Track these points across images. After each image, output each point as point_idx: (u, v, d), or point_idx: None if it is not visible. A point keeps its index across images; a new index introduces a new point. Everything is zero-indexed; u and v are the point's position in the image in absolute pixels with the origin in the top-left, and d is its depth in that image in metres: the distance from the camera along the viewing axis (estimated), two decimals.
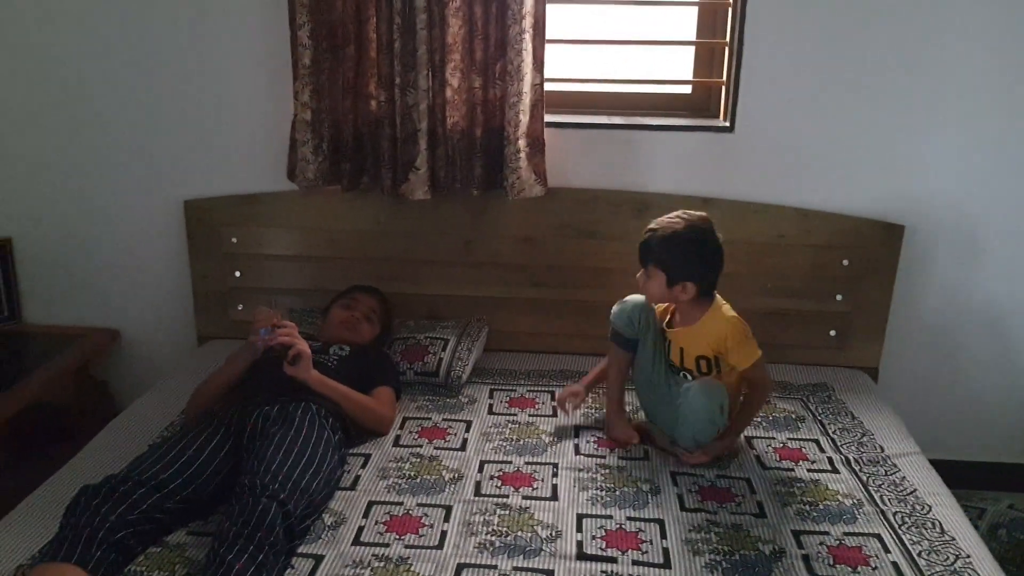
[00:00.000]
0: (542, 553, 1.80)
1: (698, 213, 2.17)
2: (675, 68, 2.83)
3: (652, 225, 2.16)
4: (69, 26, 2.69)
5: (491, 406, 2.47)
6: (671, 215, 2.17)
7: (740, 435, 2.26)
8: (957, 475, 2.41)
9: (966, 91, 2.56)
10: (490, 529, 1.87)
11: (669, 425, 2.22)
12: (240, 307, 2.86)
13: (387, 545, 1.82)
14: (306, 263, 2.83)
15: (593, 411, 2.43)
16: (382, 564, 1.76)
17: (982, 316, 2.77)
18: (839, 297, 2.71)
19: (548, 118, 2.59)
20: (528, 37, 2.45)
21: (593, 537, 1.86)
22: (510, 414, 2.42)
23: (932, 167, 2.63)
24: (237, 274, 2.84)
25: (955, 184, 2.64)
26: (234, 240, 2.81)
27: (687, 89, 2.81)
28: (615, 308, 2.28)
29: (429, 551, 1.80)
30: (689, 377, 2.22)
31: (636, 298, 2.26)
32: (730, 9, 2.62)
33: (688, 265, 2.12)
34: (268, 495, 1.72)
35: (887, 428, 2.37)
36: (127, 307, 2.97)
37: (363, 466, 2.12)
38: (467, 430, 2.32)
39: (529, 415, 2.41)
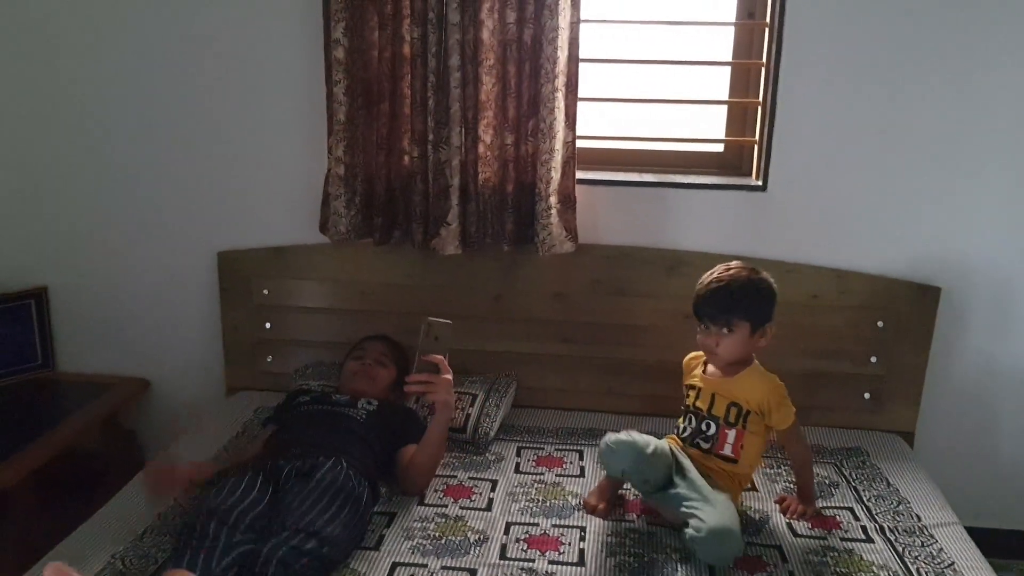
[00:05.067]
0: None
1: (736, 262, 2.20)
2: (708, 126, 2.83)
3: (712, 283, 2.12)
4: (108, 79, 2.75)
5: (518, 465, 2.44)
6: (718, 269, 2.17)
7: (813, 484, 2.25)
8: (995, 543, 2.34)
9: (1006, 150, 2.52)
10: None
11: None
12: (269, 359, 2.86)
13: None
14: (336, 316, 2.83)
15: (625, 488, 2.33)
16: None
17: (1021, 381, 2.71)
18: (874, 359, 2.66)
19: (579, 175, 2.59)
20: (561, 95, 2.47)
21: None
22: (537, 473, 2.39)
23: (970, 228, 2.60)
24: (267, 325, 2.85)
25: (993, 246, 2.60)
26: (266, 292, 2.83)
27: (719, 147, 2.80)
28: (605, 450, 2.09)
29: None
30: (713, 427, 2.14)
31: (627, 445, 2.05)
32: (763, 69, 2.62)
33: (770, 308, 2.14)
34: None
35: (924, 496, 2.31)
36: (158, 357, 2.98)
37: (387, 525, 2.09)
38: (493, 489, 2.29)
39: (556, 475, 2.38)
